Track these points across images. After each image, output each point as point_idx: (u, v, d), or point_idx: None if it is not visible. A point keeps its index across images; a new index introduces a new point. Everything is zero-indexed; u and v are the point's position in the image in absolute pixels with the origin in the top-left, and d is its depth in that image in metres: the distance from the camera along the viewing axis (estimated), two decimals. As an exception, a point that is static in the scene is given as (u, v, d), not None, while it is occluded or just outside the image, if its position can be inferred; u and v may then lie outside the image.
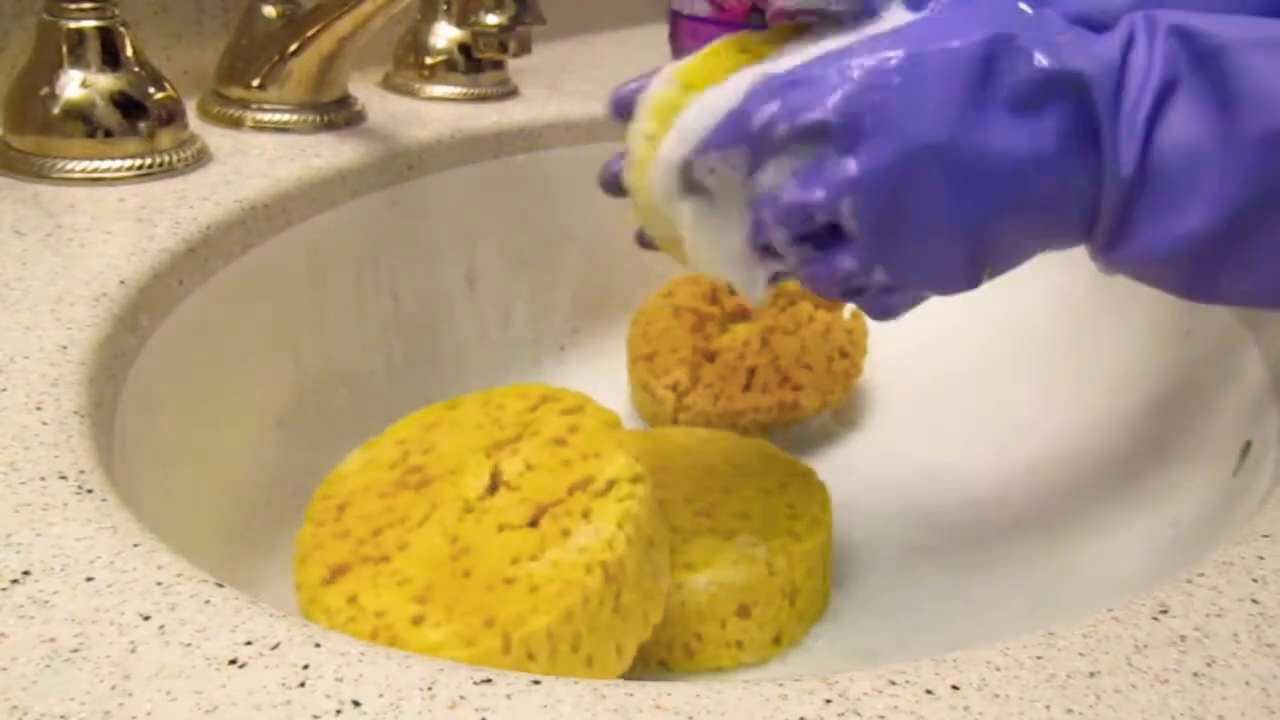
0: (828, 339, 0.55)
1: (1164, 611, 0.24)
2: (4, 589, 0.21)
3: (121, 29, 0.43)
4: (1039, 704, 0.21)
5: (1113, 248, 0.29)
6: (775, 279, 0.33)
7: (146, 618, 0.21)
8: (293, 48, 0.50)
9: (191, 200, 0.41)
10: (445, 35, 0.62)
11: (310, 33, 0.50)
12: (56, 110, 0.42)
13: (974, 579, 0.44)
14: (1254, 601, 0.24)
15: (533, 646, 0.29)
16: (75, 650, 0.20)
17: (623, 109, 0.36)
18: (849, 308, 0.56)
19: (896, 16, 0.31)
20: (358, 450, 0.38)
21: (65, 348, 0.30)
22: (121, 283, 0.34)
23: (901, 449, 0.53)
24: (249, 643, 0.21)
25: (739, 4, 0.71)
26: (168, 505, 0.33)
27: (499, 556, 0.32)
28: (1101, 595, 0.38)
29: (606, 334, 0.62)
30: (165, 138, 0.44)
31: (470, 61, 0.62)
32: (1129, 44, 0.28)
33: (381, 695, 0.20)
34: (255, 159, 0.47)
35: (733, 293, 0.56)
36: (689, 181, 0.32)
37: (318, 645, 0.21)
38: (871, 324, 0.56)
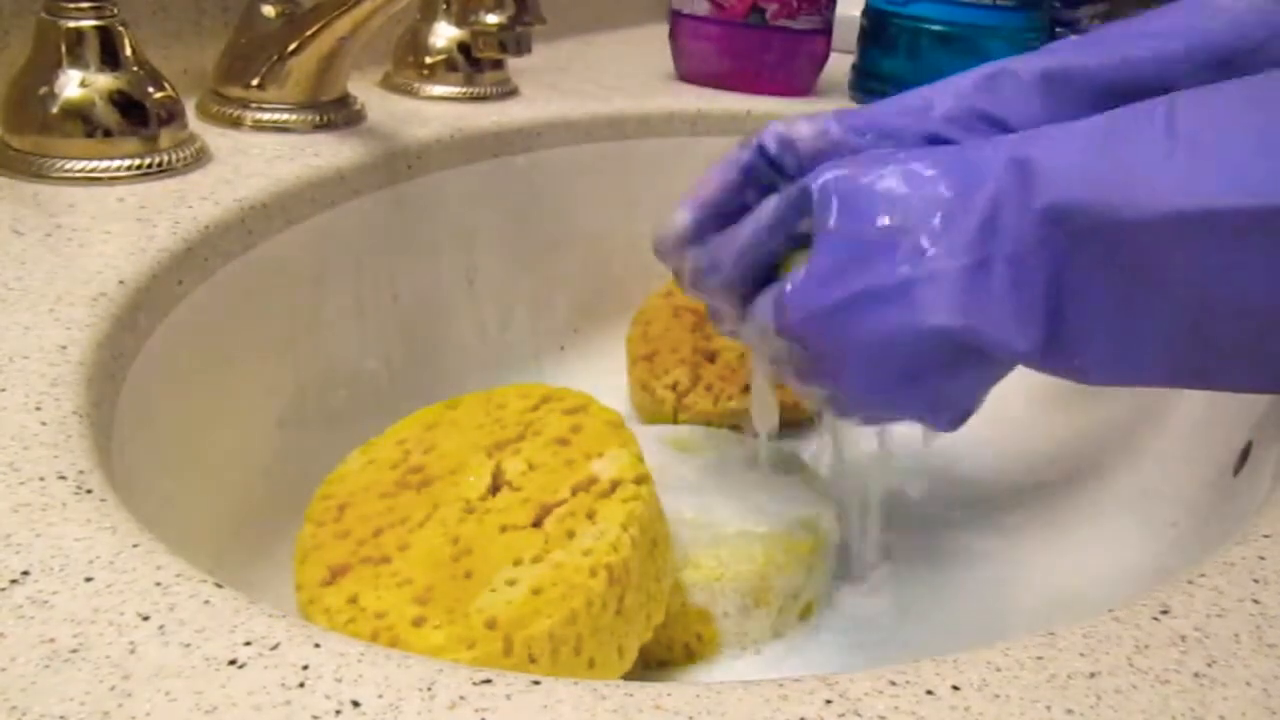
0: (828, 339, 0.54)
1: (1165, 612, 0.24)
2: (3, 589, 0.21)
3: (120, 28, 0.43)
4: (1039, 704, 0.21)
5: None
6: None
7: (146, 618, 0.21)
8: (292, 47, 0.50)
9: (191, 200, 0.41)
10: (445, 35, 0.62)
11: (310, 32, 0.50)
12: (55, 110, 0.42)
13: (974, 579, 0.44)
14: (1255, 602, 0.24)
15: (535, 649, 0.29)
16: (74, 651, 0.20)
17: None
18: None
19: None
20: (357, 450, 0.38)
21: (64, 348, 0.30)
22: (121, 282, 0.34)
23: (901, 449, 0.53)
24: (248, 643, 0.20)
25: (739, 4, 0.71)
26: (167, 505, 0.33)
27: (501, 558, 0.32)
28: (1102, 595, 0.38)
29: (606, 334, 0.62)
30: (164, 137, 0.44)
31: (470, 61, 0.62)
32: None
33: (381, 696, 0.20)
34: (255, 158, 0.47)
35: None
36: None
37: (317, 646, 0.21)
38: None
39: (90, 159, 0.42)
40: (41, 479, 0.25)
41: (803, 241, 0.33)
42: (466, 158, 0.56)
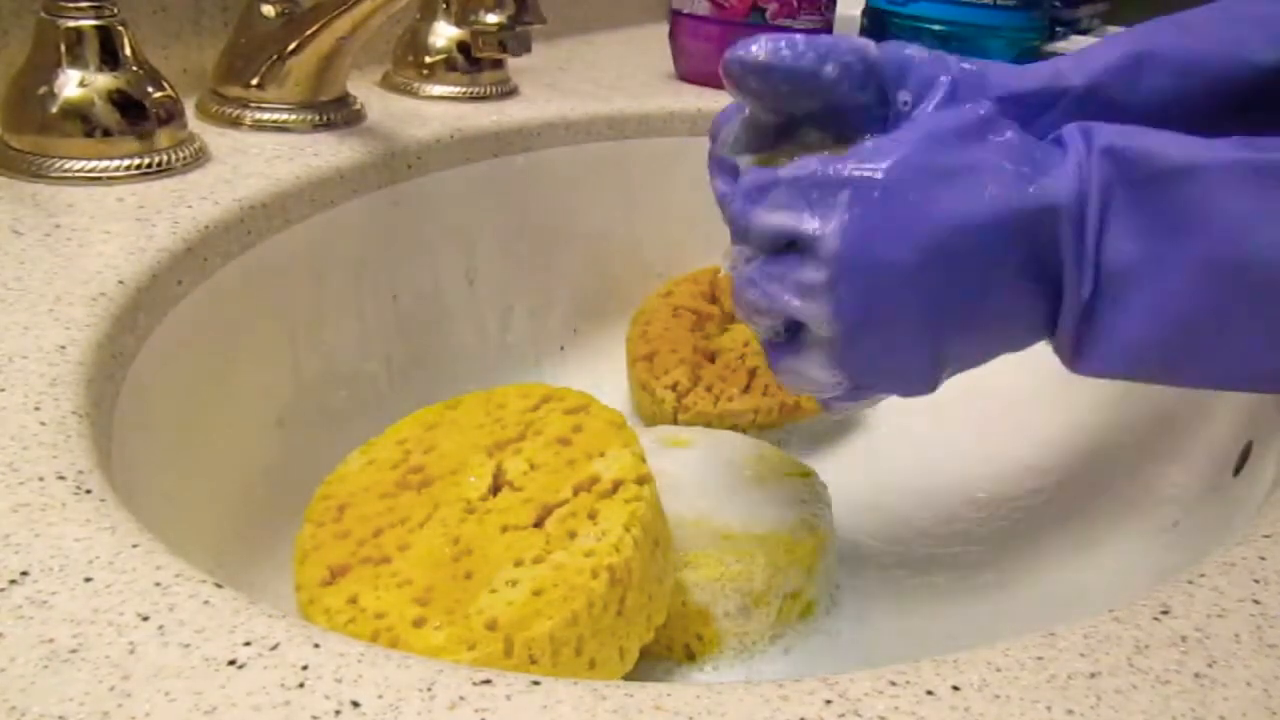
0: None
1: (1165, 612, 0.24)
2: (2, 589, 0.21)
3: (120, 28, 0.43)
4: (1040, 705, 0.21)
5: (1075, 359, 0.31)
6: None
7: (145, 618, 0.21)
8: (291, 47, 0.50)
9: (190, 200, 0.41)
10: (445, 34, 0.62)
11: (309, 32, 0.49)
12: (55, 109, 0.42)
13: (975, 579, 0.44)
14: (1255, 602, 0.24)
15: (535, 650, 0.29)
16: (74, 651, 0.20)
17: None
18: None
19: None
20: (357, 450, 0.38)
21: (64, 348, 0.30)
22: (120, 282, 0.34)
23: (902, 449, 0.53)
24: (248, 643, 0.20)
25: (739, 4, 0.71)
26: (167, 505, 0.33)
27: (502, 558, 0.31)
28: (1102, 595, 0.38)
29: (606, 334, 0.62)
30: (164, 137, 0.44)
31: (470, 61, 0.62)
32: (1080, 170, 0.29)
33: (381, 696, 0.20)
34: (254, 158, 0.47)
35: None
36: None
37: (317, 646, 0.21)
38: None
39: (90, 159, 0.42)
40: (41, 479, 0.25)
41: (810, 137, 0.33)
42: (466, 157, 0.56)
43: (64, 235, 0.37)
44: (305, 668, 0.20)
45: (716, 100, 0.69)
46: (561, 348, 0.61)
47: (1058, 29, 0.84)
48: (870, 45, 0.33)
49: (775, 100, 0.33)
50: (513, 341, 0.59)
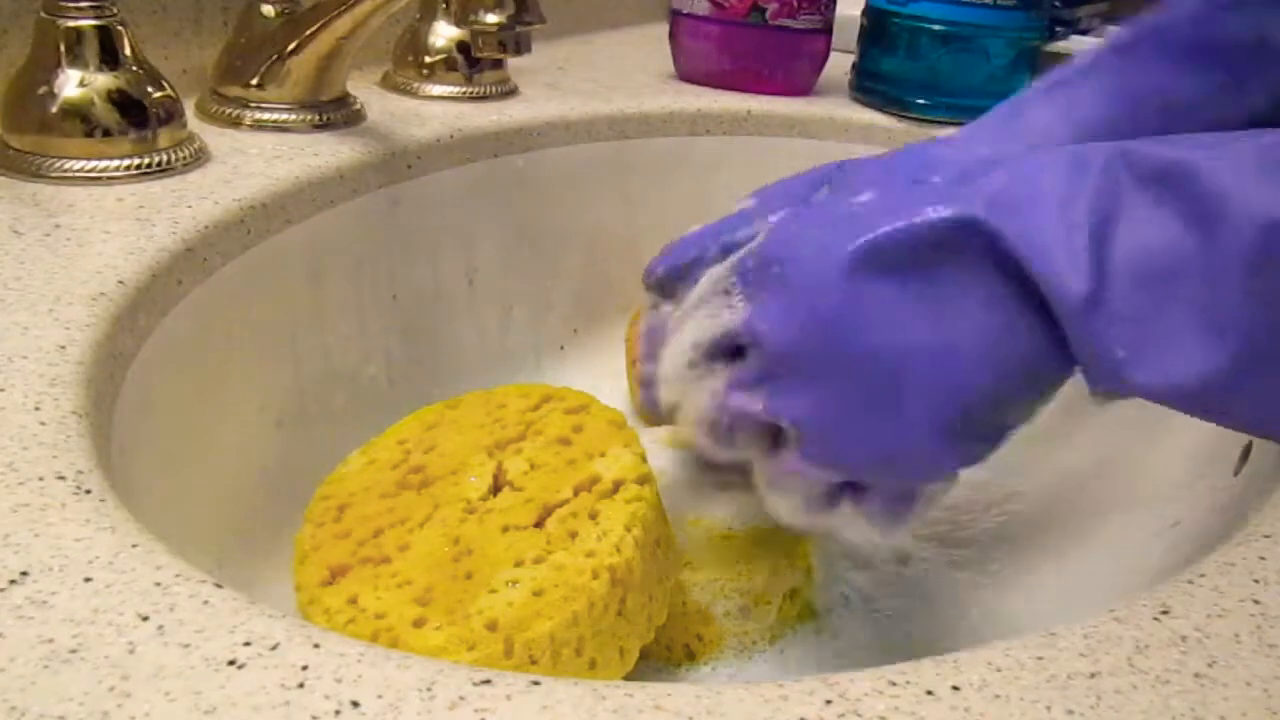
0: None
1: (1165, 612, 0.24)
2: (2, 589, 0.21)
3: (120, 28, 0.43)
4: (1040, 705, 0.21)
5: (1109, 387, 0.27)
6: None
7: (145, 618, 0.21)
8: (291, 47, 0.50)
9: (190, 199, 0.41)
10: (444, 34, 0.62)
11: (309, 32, 0.49)
12: (54, 109, 0.42)
13: (974, 579, 0.44)
14: (1255, 602, 0.24)
15: (535, 651, 0.29)
16: (74, 651, 0.20)
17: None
18: None
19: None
20: (357, 450, 0.38)
21: (63, 347, 0.30)
22: (120, 282, 0.34)
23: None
24: (248, 643, 0.20)
25: (739, 4, 0.71)
26: (166, 505, 0.33)
27: (503, 558, 0.31)
28: (1102, 595, 0.38)
29: (606, 334, 0.62)
30: (164, 137, 0.44)
31: (469, 61, 0.62)
32: (1022, 167, 0.27)
33: (380, 696, 0.20)
34: (254, 158, 0.47)
35: None
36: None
37: (317, 646, 0.21)
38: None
39: (89, 158, 0.42)
40: (40, 479, 0.25)
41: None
42: (466, 157, 0.56)
43: (64, 235, 0.37)
44: (305, 668, 0.20)
45: (716, 100, 0.69)
46: (561, 348, 0.61)
47: (1058, 29, 0.84)
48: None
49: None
50: (513, 341, 0.59)
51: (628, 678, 0.32)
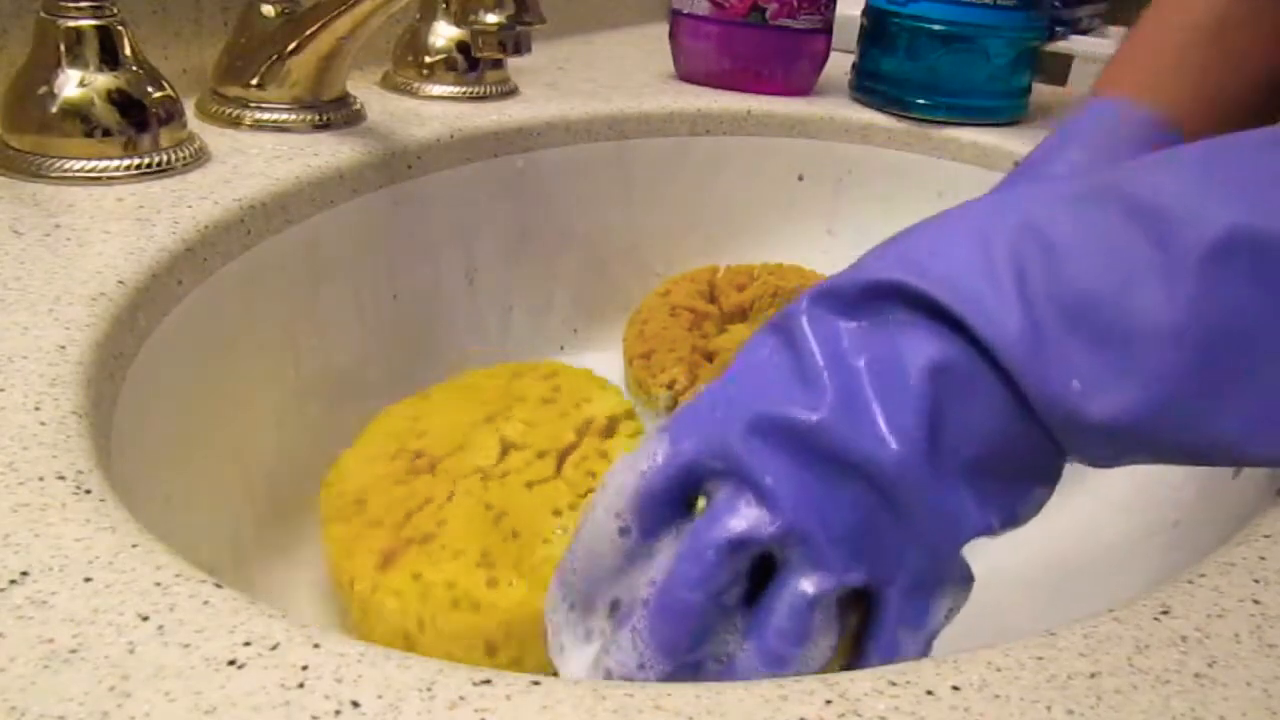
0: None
1: (1165, 612, 0.24)
2: (2, 590, 0.21)
3: (120, 28, 0.43)
4: (1040, 705, 0.21)
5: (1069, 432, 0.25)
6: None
7: (145, 618, 0.21)
8: (291, 47, 0.50)
9: (190, 199, 0.41)
10: (444, 34, 0.62)
11: (309, 32, 0.49)
12: (54, 109, 0.42)
13: (975, 579, 0.44)
14: (1255, 602, 0.24)
15: None
16: (73, 651, 0.20)
17: None
18: None
19: None
20: (345, 453, 0.38)
21: (63, 348, 0.30)
22: (120, 282, 0.34)
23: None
24: (248, 643, 0.20)
25: (739, 4, 0.71)
26: (166, 505, 0.33)
27: (539, 512, 0.32)
28: (1102, 595, 0.38)
29: (605, 333, 0.62)
30: (164, 137, 0.44)
31: (469, 61, 0.62)
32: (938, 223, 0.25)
33: (380, 696, 0.20)
34: (254, 158, 0.47)
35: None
36: None
37: (316, 646, 0.21)
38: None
39: (89, 158, 0.42)
40: (40, 479, 0.25)
41: None
42: (466, 157, 0.56)
43: (64, 235, 0.37)
44: (305, 668, 0.20)
45: (716, 100, 0.69)
46: (561, 348, 0.61)
47: (1058, 29, 0.84)
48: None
49: None
50: (513, 341, 0.59)
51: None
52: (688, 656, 0.26)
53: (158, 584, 0.22)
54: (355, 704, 0.19)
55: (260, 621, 0.21)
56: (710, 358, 0.54)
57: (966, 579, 0.27)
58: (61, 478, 0.25)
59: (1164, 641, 0.23)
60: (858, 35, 0.74)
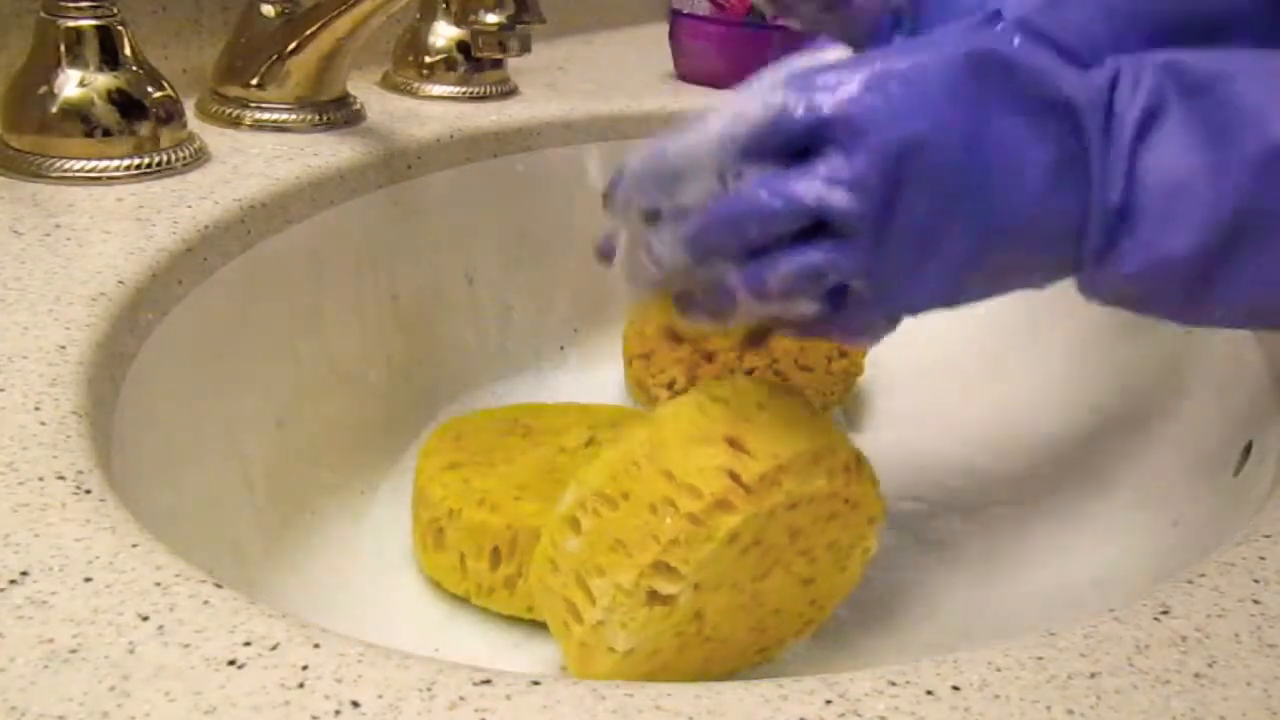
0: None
1: (1165, 612, 0.24)
2: (2, 589, 0.21)
3: (120, 28, 0.43)
4: (1040, 704, 0.21)
5: (1098, 271, 0.29)
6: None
7: (145, 618, 0.21)
8: (291, 47, 0.50)
9: (190, 199, 0.41)
10: (444, 34, 0.62)
11: (309, 32, 0.49)
12: (55, 109, 0.42)
13: (975, 578, 0.44)
14: (1255, 602, 0.24)
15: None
16: (74, 651, 0.20)
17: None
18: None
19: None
20: (465, 415, 0.46)
21: (64, 348, 0.30)
22: (120, 282, 0.34)
23: (903, 448, 0.53)
24: (248, 643, 0.20)
25: (739, 4, 0.71)
26: (166, 505, 0.33)
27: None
28: (1102, 595, 0.38)
29: (606, 334, 0.62)
30: (164, 137, 0.44)
31: (469, 61, 0.62)
32: (1116, 78, 0.29)
33: (380, 696, 0.20)
34: (254, 158, 0.47)
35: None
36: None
37: (317, 646, 0.21)
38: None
39: (89, 159, 0.42)
40: (41, 479, 0.25)
41: None
42: (466, 157, 0.56)
43: (64, 235, 0.37)
44: (305, 668, 0.20)
45: (716, 100, 0.69)
46: (561, 348, 0.61)
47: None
48: None
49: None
50: (513, 341, 0.59)
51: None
52: (703, 265, 0.32)
53: (158, 584, 0.22)
54: (355, 704, 0.19)
55: (260, 621, 0.21)
56: (710, 358, 0.54)
57: None
58: (61, 478, 0.25)
59: (1164, 641, 0.23)
60: (858, 35, 0.74)
